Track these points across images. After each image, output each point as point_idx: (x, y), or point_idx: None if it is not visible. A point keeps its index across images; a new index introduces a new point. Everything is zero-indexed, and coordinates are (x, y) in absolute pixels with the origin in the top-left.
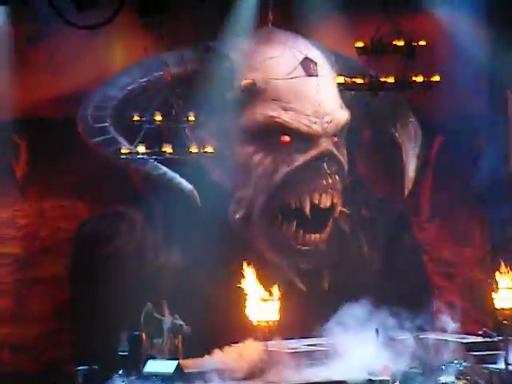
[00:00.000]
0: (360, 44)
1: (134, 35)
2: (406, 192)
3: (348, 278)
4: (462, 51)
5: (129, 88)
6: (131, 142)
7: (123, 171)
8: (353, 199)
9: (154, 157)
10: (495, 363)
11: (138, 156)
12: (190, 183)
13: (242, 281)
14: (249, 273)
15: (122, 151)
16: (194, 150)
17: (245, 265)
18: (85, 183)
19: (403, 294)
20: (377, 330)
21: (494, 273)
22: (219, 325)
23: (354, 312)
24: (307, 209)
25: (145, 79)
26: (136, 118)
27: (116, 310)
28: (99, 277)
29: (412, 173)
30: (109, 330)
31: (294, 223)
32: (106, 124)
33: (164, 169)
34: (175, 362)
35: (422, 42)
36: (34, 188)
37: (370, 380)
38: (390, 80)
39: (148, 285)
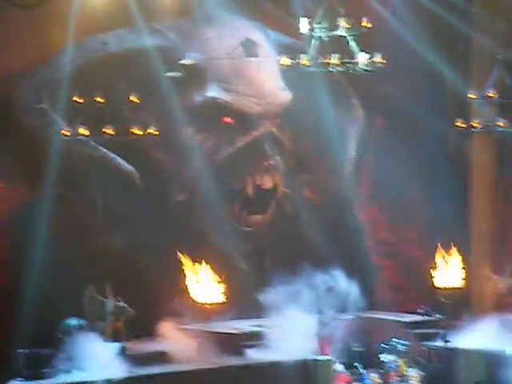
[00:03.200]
0: (303, 24)
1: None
2: (347, 172)
3: (290, 258)
4: (402, 34)
5: (67, 68)
6: (70, 123)
7: (62, 153)
8: (295, 180)
9: (94, 139)
10: (435, 341)
11: (79, 137)
12: (131, 165)
13: (186, 262)
14: (192, 255)
15: (63, 133)
16: (137, 131)
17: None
18: (23, 165)
19: (346, 274)
20: (319, 311)
21: (434, 252)
22: (162, 307)
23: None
24: (250, 190)
25: (84, 59)
26: (76, 98)
27: (57, 293)
28: (39, 260)
29: (353, 152)
30: (50, 313)
31: (237, 204)
32: (44, 105)
33: (104, 150)
34: (118, 344)
35: (366, 24)
36: None
37: (314, 359)
38: (334, 61)
39: (90, 267)
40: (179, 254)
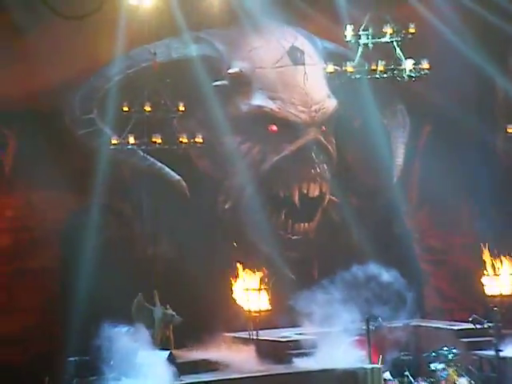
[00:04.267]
0: (349, 31)
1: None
2: (395, 179)
3: (338, 266)
4: (451, 40)
5: (116, 79)
6: (119, 133)
7: (111, 162)
8: (342, 188)
9: (143, 147)
10: (485, 350)
11: (128, 147)
12: (178, 174)
13: (233, 271)
14: (239, 263)
15: (112, 142)
16: (183, 140)
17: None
18: (73, 175)
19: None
20: (367, 319)
21: (483, 260)
22: (210, 315)
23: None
24: (296, 198)
25: (132, 69)
26: (125, 108)
27: (106, 301)
28: (89, 269)
29: (400, 160)
30: (99, 321)
31: (283, 213)
32: (93, 115)
33: (152, 159)
34: (167, 352)
35: (412, 30)
36: (22, 180)
37: (363, 368)
38: (380, 68)
39: (138, 275)
40: (236, 263)
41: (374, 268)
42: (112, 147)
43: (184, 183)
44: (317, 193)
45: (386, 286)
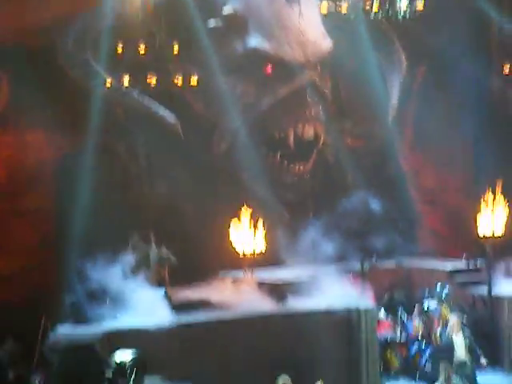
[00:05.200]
0: None
1: None
2: (390, 120)
3: (333, 207)
4: None
5: (110, 19)
6: (113, 74)
7: (106, 103)
8: (337, 129)
9: (137, 88)
10: (478, 289)
11: (122, 88)
12: (173, 115)
13: (228, 212)
14: (234, 205)
15: (106, 83)
16: (178, 81)
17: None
18: (67, 115)
19: (391, 222)
20: (362, 259)
21: (478, 200)
22: (205, 255)
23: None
24: (291, 139)
25: (126, 10)
26: (119, 49)
27: (102, 240)
28: (84, 209)
29: (395, 100)
30: (95, 261)
31: (278, 154)
32: (87, 56)
33: (147, 101)
34: (162, 290)
35: None
36: (17, 119)
37: (357, 307)
38: (375, 8)
39: (134, 216)
40: (224, 202)
41: (367, 202)
42: (106, 88)
43: (179, 125)
44: (311, 134)
45: (380, 220)
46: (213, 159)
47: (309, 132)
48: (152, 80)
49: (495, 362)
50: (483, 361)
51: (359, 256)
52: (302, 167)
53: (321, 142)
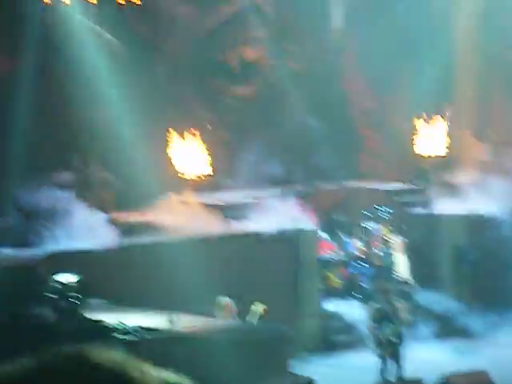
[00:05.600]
0: None
1: None
2: (333, 42)
3: (276, 128)
4: None
5: None
6: None
7: (44, 24)
8: (280, 51)
9: (78, 8)
10: (417, 208)
11: (62, 6)
12: (115, 38)
13: (173, 135)
14: (178, 128)
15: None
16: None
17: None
18: (2, 37)
19: (332, 145)
20: (304, 182)
21: (418, 122)
22: (149, 180)
23: (280, 163)
24: (234, 62)
25: None
26: None
27: (41, 164)
28: (22, 131)
29: (339, 22)
30: (37, 183)
31: (221, 76)
32: None
33: (88, 22)
34: (105, 213)
35: None
36: None
37: (299, 228)
38: None
39: (74, 139)
40: (167, 126)
41: (309, 124)
42: (45, 5)
43: (121, 46)
44: (254, 57)
45: (322, 142)
46: (156, 82)
47: (252, 54)
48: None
49: (432, 280)
50: (415, 282)
51: (301, 178)
52: (244, 90)
53: (263, 65)
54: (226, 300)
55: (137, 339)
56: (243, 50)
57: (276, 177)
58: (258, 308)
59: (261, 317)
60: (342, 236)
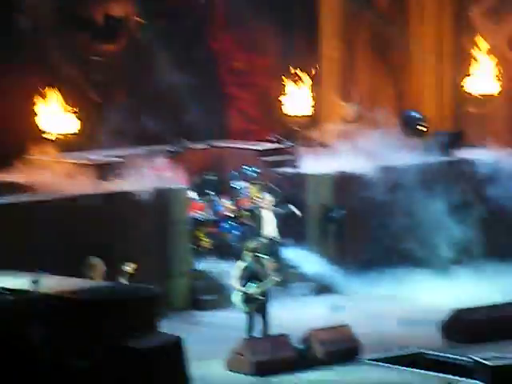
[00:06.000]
0: None
1: None
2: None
3: (146, 91)
4: None
5: None
6: None
7: None
8: (148, 8)
9: None
10: (285, 168)
11: None
12: None
13: (38, 93)
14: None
15: None
16: None
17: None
18: None
19: (202, 105)
20: (173, 141)
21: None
22: (13, 138)
23: (147, 126)
24: (99, 18)
25: None
26: None
27: None
28: None
29: None
30: None
31: (87, 33)
32: None
33: None
34: None
35: None
36: None
37: (168, 188)
38: None
39: None
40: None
41: (178, 83)
42: None
43: None
44: (121, 13)
45: (191, 101)
46: (17, 38)
47: (118, 11)
48: None
49: (300, 239)
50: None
51: (171, 137)
52: (110, 47)
53: (130, 22)
54: (95, 260)
55: None
56: (109, 6)
57: (145, 136)
58: (128, 268)
59: (131, 276)
60: (211, 196)
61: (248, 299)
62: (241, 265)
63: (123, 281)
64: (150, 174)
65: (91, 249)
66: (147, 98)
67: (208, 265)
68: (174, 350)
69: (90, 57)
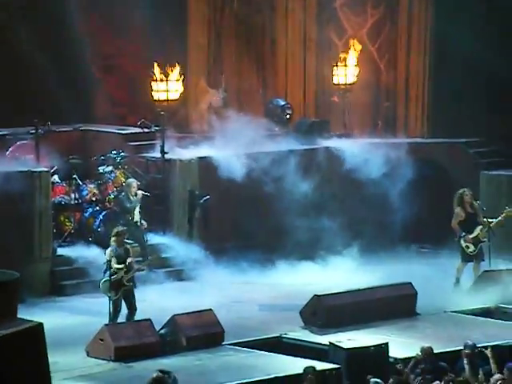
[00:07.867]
0: None
1: None
2: None
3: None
4: None
5: None
6: None
7: None
8: None
9: None
10: (152, 153)
11: None
12: None
13: None
14: None
15: None
16: None
17: None
18: None
19: (67, 87)
20: (36, 125)
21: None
22: None
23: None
24: None
25: None
26: None
27: None
28: None
29: None
30: None
31: None
32: None
33: None
34: None
35: None
36: None
37: (31, 170)
38: None
39: None
40: None
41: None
42: None
43: None
44: None
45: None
46: None
47: None
48: None
49: (166, 225)
50: (144, 223)
51: (32, 120)
52: None
53: None
54: None
55: None
56: None
57: (5, 118)
58: None
59: None
60: (77, 180)
61: (112, 284)
62: (106, 250)
63: None
64: (11, 157)
65: None
66: (7, 80)
67: (70, 250)
68: (33, 337)
69: None
